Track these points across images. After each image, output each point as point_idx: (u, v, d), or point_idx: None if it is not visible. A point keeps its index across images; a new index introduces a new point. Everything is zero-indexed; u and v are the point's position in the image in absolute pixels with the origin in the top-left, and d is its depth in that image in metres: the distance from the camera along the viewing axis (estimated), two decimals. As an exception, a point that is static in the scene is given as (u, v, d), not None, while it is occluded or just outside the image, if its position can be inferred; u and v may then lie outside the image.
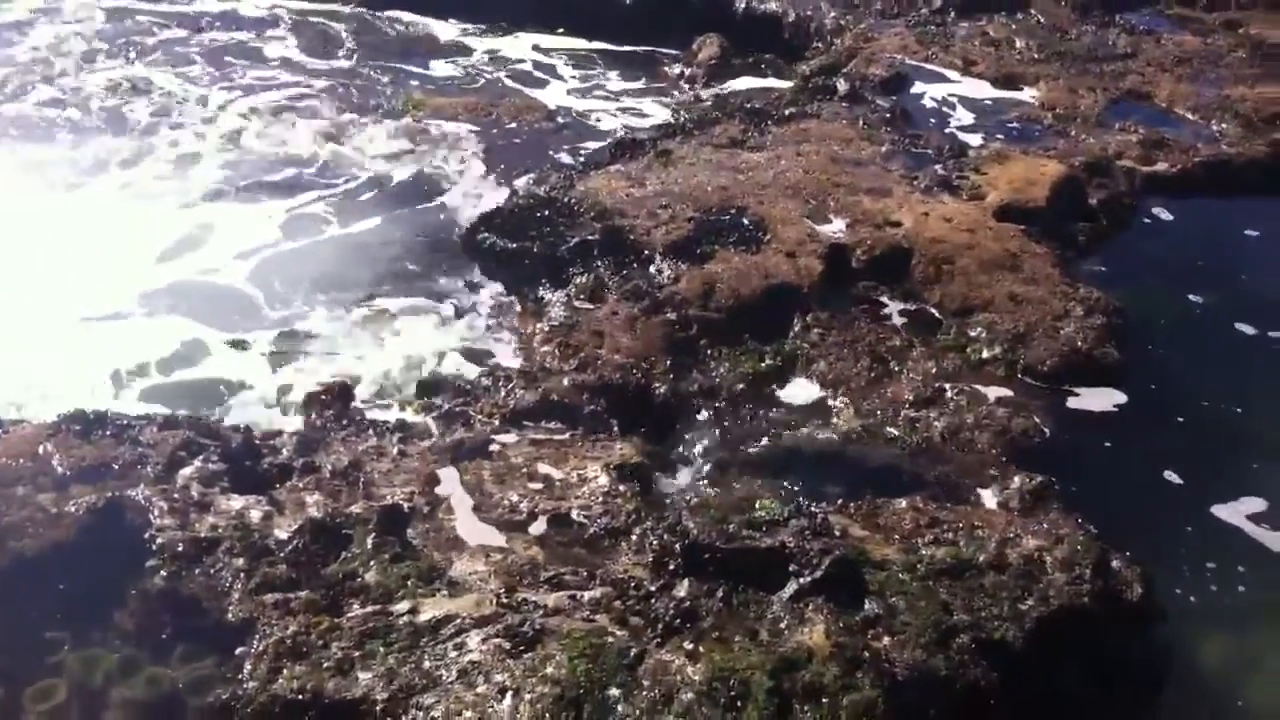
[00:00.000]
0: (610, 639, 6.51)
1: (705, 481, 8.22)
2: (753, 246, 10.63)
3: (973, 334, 9.79)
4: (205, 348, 10.13)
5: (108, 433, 8.14)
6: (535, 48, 17.22)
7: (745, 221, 10.93)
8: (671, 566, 6.95)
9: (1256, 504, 8.45)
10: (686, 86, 16.10)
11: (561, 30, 17.60)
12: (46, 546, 7.16)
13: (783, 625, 6.62)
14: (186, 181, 13.05)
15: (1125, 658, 6.95)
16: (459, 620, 6.66)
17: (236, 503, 7.66)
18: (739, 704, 6.13)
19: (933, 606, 6.74)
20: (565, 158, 13.58)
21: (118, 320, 10.52)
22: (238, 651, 6.65)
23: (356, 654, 6.51)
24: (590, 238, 10.75)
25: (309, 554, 7.21)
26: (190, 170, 13.31)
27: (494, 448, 8.34)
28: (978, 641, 6.59)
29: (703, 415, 8.95)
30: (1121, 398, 9.32)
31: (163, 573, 7.05)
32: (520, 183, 12.61)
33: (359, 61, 16.52)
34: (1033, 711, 6.66)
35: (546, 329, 9.91)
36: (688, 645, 6.48)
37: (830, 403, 9.08)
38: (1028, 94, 14.26)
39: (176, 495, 7.62)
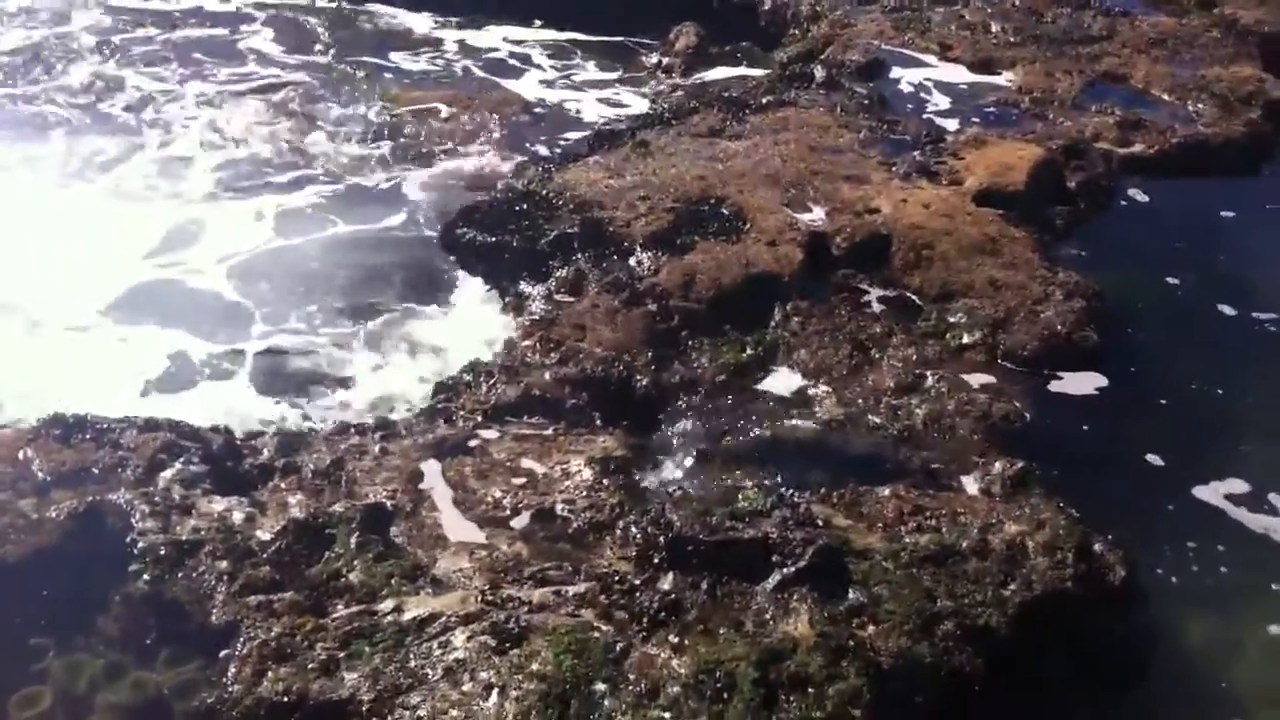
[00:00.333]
0: (596, 634, 6.53)
1: (688, 473, 8.22)
2: (732, 236, 10.62)
3: (953, 320, 9.81)
4: (184, 351, 10.07)
5: (88, 436, 8.12)
6: (510, 40, 17.14)
7: (725, 211, 10.92)
8: (656, 559, 6.96)
9: (1237, 485, 8.49)
10: (664, 76, 16.05)
11: (539, 23, 17.53)
12: (28, 552, 7.15)
13: (767, 616, 6.64)
14: (160, 180, 12.99)
15: (1109, 641, 6.98)
16: (444, 618, 6.67)
17: (218, 504, 7.65)
18: (725, 696, 6.15)
19: (916, 594, 6.76)
20: (543, 150, 13.55)
21: (100, 321, 10.48)
22: (222, 654, 6.65)
23: (341, 654, 6.52)
24: (570, 230, 10.73)
25: (292, 555, 7.21)
26: (165, 170, 13.23)
27: (476, 444, 8.34)
28: (962, 628, 6.62)
29: (685, 406, 8.95)
30: (1102, 381, 9.34)
31: (146, 576, 7.05)
32: (498, 177, 12.56)
33: (335, 56, 16.43)
34: (1018, 696, 6.70)
35: (527, 323, 9.89)
36: (673, 638, 6.50)
37: (812, 391, 9.08)
38: (1004, 78, 14.24)
39: (158, 498, 7.61)
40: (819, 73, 14.34)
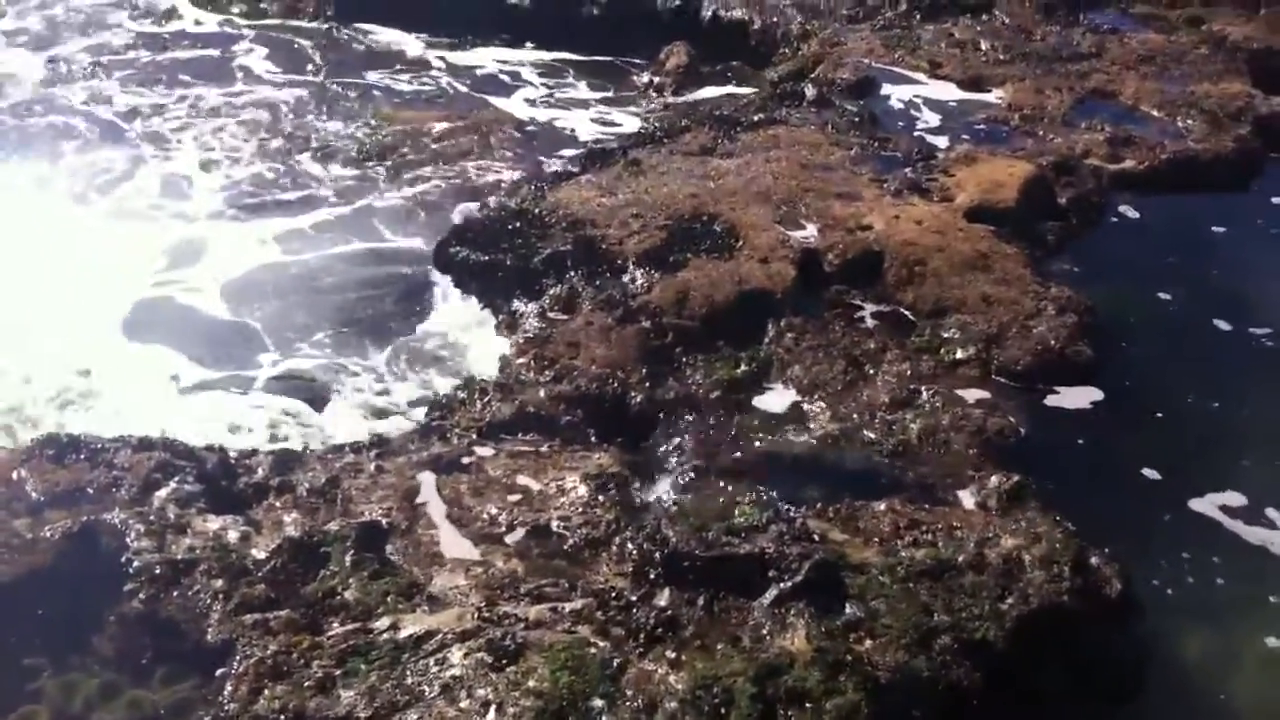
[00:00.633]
0: (592, 650, 6.52)
1: (684, 489, 8.21)
2: (725, 253, 10.64)
3: (946, 335, 9.83)
4: (178, 371, 10.07)
5: (82, 456, 8.10)
6: (501, 60, 17.18)
7: (717, 229, 10.94)
8: (652, 575, 6.96)
9: (1233, 498, 8.51)
10: (655, 95, 16.10)
11: (530, 44, 17.57)
12: (23, 572, 7.13)
13: (764, 631, 6.64)
14: (155, 201, 13.00)
15: (1106, 654, 6.98)
16: (440, 635, 6.65)
17: (213, 523, 7.62)
18: (723, 711, 6.14)
19: (913, 608, 6.76)
20: (535, 169, 13.56)
21: (102, 339, 10.49)
22: (218, 673, 6.63)
23: (338, 672, 6.50)
24: (563, 249, 10.74)
25: (288, 573, 7.19)
26: (159, 192, 13.23)
27: (471, 461, 8.33)
28: (959, 642, 6.62)
29: (679, 423, 8.94)
30: (1096, 395, 9.37)
31: (141, 596, 7.03)
32: (491, 195, 12.58)
33: (327, 77, 16.45)
34: (1015, 709, 6.70)
35: (521, 341, 9.90)
36: (670, 654, 6.49)
37: (806, 407, 9.09)
38: (995, 95, 14.30)
39: (153, 517, 7.59)
40: (810, 91, 14.39)
